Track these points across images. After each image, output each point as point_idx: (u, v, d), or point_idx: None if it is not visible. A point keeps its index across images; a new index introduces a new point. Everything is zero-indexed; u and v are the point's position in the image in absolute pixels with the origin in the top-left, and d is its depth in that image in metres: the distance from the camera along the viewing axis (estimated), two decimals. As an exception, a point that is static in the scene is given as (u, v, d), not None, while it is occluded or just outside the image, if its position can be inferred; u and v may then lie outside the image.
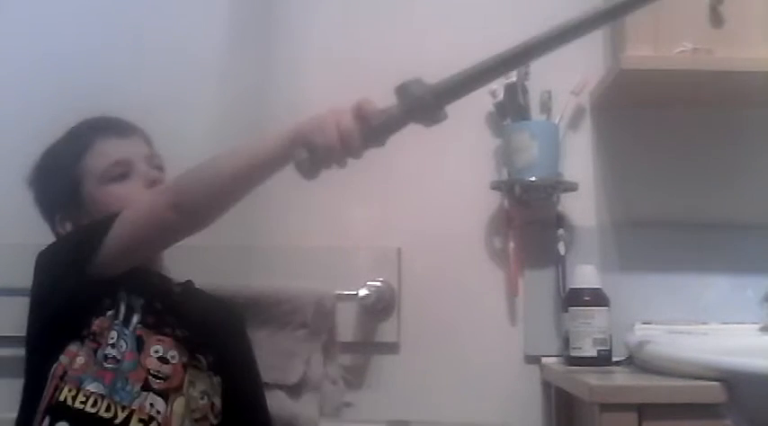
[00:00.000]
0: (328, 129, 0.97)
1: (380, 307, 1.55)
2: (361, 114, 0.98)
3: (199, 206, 1.04)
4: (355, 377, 1.56)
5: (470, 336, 1.58)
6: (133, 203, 1.10)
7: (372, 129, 0.98)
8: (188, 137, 1.54)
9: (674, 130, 1.62)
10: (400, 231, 1.61)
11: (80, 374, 1.06)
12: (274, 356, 1.42)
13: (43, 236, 1.22)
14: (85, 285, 1.07)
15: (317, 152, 0.98)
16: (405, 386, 1.57)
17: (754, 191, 1.60)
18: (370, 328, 1.57)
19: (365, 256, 1.58)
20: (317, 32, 1.66)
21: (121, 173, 1.20)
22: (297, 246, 1.59)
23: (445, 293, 1.59)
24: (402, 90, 0.98)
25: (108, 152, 1.21)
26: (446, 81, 0.98)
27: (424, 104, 0.97)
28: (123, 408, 1.05)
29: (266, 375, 1.34)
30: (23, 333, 1.15)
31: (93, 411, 1.04)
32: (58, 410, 1.05)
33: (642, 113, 1.61)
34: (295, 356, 1.45)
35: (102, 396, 1.05)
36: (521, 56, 1.02)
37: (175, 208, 1.03)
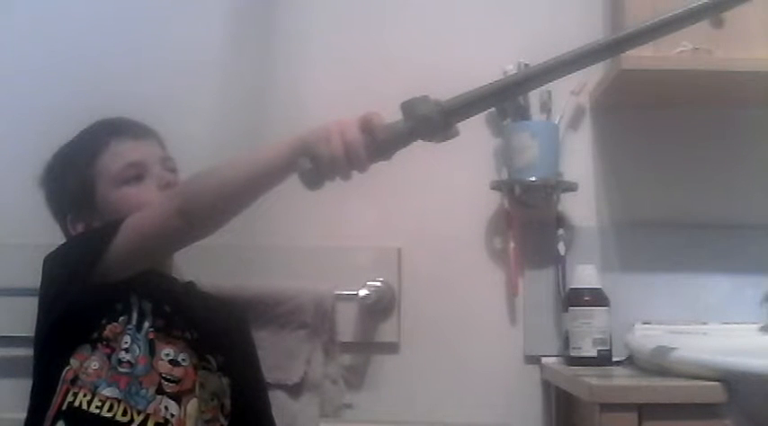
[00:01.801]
0: (333, 140, 0.97)
1: (380, 307, 1.56)
2: (367, 127, 0.97)
3: (205, 212, 1.04)
4: (355, 377, 1.56)
5: (470, 336, 1.58)
6: (139, 209, 1.10)
7: (379, 143, 0.97)
8: (189, 139, 1.54)
9: (673, 130, 1.62)
10: (400, 231, 1.61)
11: (94, 379, 1.07)
12: (275, 356, 1.42)
13: (46, 237, 1.22)
14: (91, 290, 1.07)
15: (320, 163, 0.97)
16: (405, 386, 1.57)
17: (754, 191, 1.60)
18: (370, 328, 1.57)
19: (365, 256, 1.58)
20: (319, 32, 1.66)
21: (136, 175, 1.19)
22: (297, 246, 1.59)
23: (445, 293, 1.59)
24: (408, 107, 0.97)
25: (123, 154, 1.20)
26: (455, 100, 0.97)
27: (432, 124, 0.96)
28: (139, 412, 1.06)
29: (267, 375, 1.34)
30: (25, 333, 1.15)
31: (109, 415, 1.05)
32: (74, 415, 1.05)
33: (642, 113, 1.61)
34: (296, 356, 1.45)
35: (118, 401, 1.06)
36: (529, 80, 1.02)
37: (181, 214, 1.03)
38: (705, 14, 0.96)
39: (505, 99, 1.08)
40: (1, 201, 1.61)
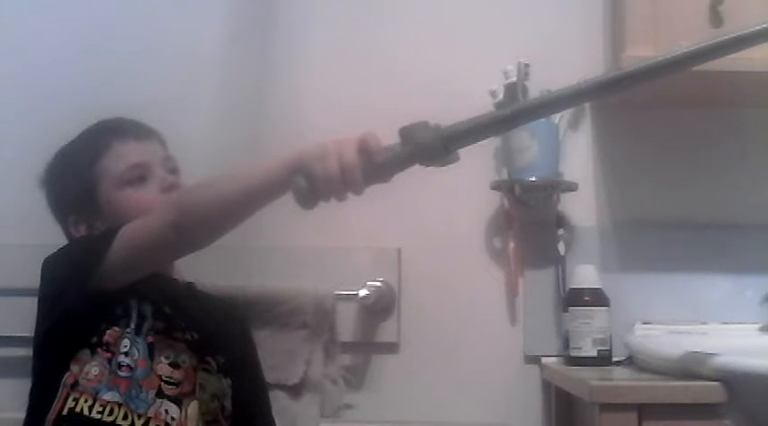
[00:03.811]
0: (329, 160, 0.96)
1: (380, 307, 1.55)
2: (364, 148, 0.97)
3: (199, 226, 1.04)
4: (355, 377, 1.56)
5: (470, 336, 1.58)
6: (142, 212, 1.10)
7: (376, 166, 0.97)
8: (188, 141, 1.53)
9: (674, 130, 1.62)
10: (400, 231, 1.61)
11: (95, 384, 1.07)
12: (275, 356, 1.42)
13: (46, 237, 1.22)
14: (88, 298, 1.07)
15: (315, 182, 0.97)
16: (405, 386, 1.57)
17: (754, 191, 1.60)
18: (370, 328, 1.57)
19: (365, 256, 1.58)
20: (318, 33, 1.66)
21: (139, 176, 1.19)
22: (297, 246, 1.59)
23: (445, 293, 1.59)
24: (407, 133, 0.97)
25: (126, 155, 1.20)
26: (455, 127, 0.97)
27: (431, 151, 0.96)
28: (139, 416, 1.06)
29: (267, 375, 1.34)
30: (25, 333, 1.15)
31: (110, 419, 1.05)
32: (75, 420, 1.05)
33: (642, 113, 1.61)
34: (296, 356, 1.45)
35: (119, 405, 1.06)
36: (533, 111, 1.02)
37: (176, 227, 1.03)
38: (714, 55, 0.96)
39: (507, 129, 1.07)
40: (1, 201, 1.61)
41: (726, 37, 0.97)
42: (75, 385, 1.07)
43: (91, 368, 1.08)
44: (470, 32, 1.64)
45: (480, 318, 1.59)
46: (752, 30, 0.96)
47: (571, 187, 1.56)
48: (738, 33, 0.97)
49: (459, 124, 0.97)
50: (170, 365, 1.10)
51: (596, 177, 1.62)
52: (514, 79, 1.54)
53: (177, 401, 1.09)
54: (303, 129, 1.58)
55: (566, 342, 1.46)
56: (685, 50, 0.96)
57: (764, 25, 0.96)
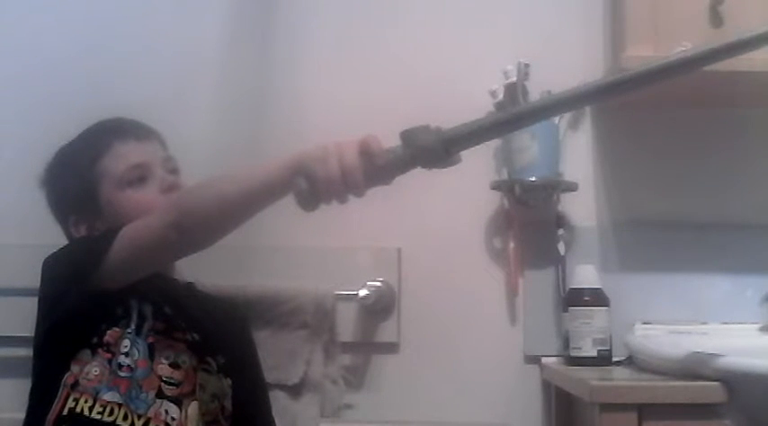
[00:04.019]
0: (330, 162, 0.96)
1: (380, 307, 1.56)
2: (366, 151, 0.97)
3: (200, 227, 1.04)
4: (355, 377, 1.56)
5: (470, 336, 1.58)
6: (142, 212, 1.10)
7: (377, 169, 0.97)
8: (187, 139, 1.54)
9: (674, 130, 1.62)
10: (400, 231, 1.61)
11: (96, 384, 1.07)
12: (275, 356, 1.42)
13: (46, 237, 1.22)
14: (89, 298, 1.07)
15: (316, 183, 0.97)
16: (405, 386, 1.57)
17: (754, 191, 1.60)
18: (370, 328, 1.57)
19: (365, 256, 1.58)
20: (319, 33, 1.66)
21: (139, 176, 1.19)
22: (297, 246, 1.59)
23: (445, 293, 1.59)
24: (408, 137, 0.97)
25: (126, 155, 1.20)
26: (456, 130, 0.97)
27: (432, 154, 0.96)
28: (140, 416, 1.06)
29: (267, 375, 1.34)
30: (25, 333, 1.15)
31: (110, 419, 1.05)
32: (75, 420, 1.05)
33: (642, 113, 1.61)
34: (296, 356, 1.45)
35: (119, 405, 1.06)
36: (533, 114, 1.02)
37: (177, 227, 1.03)
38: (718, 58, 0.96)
39: (508, 132, 1.07)
40: (1, 201, 1.61)
41: (729, 40, 0.96)
42: (75, 385, 1.07)
43: (91, 369, 1.08)
44: (470, 32, 1.64)
45: (480, 318, 1.59)
46: (756, 33, 0.95)
47: (571, 187, 1.56)
48: (742, 37, 0.96)
49: (459, 127, 0.97)
50: (170, 365, 1.10)
51: (596, 177, 1.62)
52: (514, 79, 1.54)
53: (177, 401, 1.09)
54: (303, 130, 1.58)
55: (566, 342, 1.46)
56: (687, 54, 0.96)
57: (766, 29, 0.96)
